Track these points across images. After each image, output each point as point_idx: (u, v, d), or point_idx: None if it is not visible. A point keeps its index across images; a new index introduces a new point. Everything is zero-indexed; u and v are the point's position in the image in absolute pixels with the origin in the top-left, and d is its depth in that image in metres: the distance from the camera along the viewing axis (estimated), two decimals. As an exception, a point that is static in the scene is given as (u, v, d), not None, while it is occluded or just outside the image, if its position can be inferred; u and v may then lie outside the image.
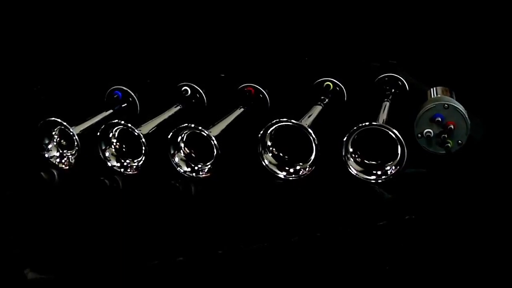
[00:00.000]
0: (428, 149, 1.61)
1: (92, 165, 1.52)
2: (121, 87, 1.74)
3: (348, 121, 1.51)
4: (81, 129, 1.52)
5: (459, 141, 1.59)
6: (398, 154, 1.46)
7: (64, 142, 1.57)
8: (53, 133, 1.57)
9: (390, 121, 1.57)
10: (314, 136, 1.44)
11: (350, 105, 1.84)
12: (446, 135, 1.57)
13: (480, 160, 1.58)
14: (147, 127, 1.50)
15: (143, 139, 1.45)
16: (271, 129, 1.50)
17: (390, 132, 1.44)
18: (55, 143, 1.57)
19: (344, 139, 1.48)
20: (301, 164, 1.51)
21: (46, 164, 1.57)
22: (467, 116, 1.57)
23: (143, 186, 1.48)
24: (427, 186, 1.47)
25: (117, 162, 1.52)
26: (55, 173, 1.54)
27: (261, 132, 1.49)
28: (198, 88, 1.79)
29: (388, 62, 2.03)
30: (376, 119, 1.54)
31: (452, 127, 1.57)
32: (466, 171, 1.53)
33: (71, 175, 1.54)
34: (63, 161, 1.56)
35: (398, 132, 1.43)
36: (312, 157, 1.48)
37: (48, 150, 1.56)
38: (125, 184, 1.49)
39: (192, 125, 1.42)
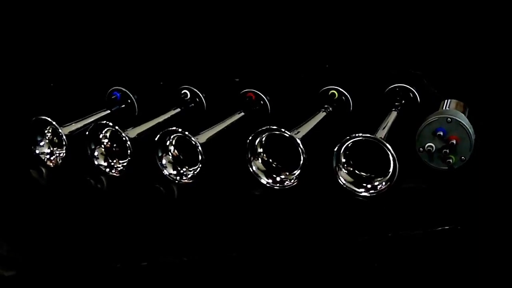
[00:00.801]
0: (430, 164, 1.53)
1: (79, 164, 1.52)
2: (121, 88, 1.73)
3: (349, 130, 1.45)
4: (71, 129, 1.52)
5: (462, 157, 1.50)
6: (390, 169, 1.39)
7: (56, 140, 1.57)
8: (46, 130, 1.57)
9: (393, 133, 1.51)
10: (302, 149, 1.39)
11: (356, 115, 1.77)
12: (447, 150, 1.49)
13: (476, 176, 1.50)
14: (135, 131, 1.48)
15: (129, 143, 1.43)
16: (260, 135, 1.46)
17: (383, 146, 1.37)
18: (47, 140, 1.57)
19: (335, 149, 1.43)
20: (287, 174, 1.46)
21: (35, 160, 1.58)
22: (471, 132, 1.49)
23: (126, 187, 1.48)
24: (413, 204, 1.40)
25: (104, 162, 1.51)
26: (43, 170, 1.55)
27: (250, 138, 1.45)
28: (198, 92, 1.76)
29: (411, 72, 1.97)
30: (376, 131, 1.48)
31: (454, 142, 1.49)
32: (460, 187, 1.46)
33: (56, 174, 1.55)
34: (51, 158, 1.55)
35: (392, 146, 1.37)
36: (297, 172, 1.44)
37: (40, 147, 1.56)
38: (109, 184, 1.48)
39: (179, 130, 1.40)
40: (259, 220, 1.33)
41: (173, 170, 1.49)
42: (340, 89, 1.78)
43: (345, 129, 1.54)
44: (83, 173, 1.52)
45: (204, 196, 1.44)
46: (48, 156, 1.58)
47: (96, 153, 1.51)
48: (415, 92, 1.81)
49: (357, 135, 1.40)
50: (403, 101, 1.80)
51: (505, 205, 1.36)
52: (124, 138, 1.44)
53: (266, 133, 1.45)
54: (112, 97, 1.75)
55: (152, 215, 1.35)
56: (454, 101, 1.69)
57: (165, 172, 1.49)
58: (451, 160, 1.50)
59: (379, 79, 1.87)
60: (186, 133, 1.40)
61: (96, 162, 1.52)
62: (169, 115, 1.66)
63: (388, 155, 1.37)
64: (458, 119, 1.50)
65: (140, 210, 1.37)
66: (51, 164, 1.56)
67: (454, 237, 1.25)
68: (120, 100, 1.75)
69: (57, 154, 1.57)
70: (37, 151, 1.58)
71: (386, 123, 1.61)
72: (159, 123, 1.59)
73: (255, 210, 1.38)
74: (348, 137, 1.41)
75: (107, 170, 1.52)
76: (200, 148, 1.39)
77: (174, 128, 1.43)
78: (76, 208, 1.37)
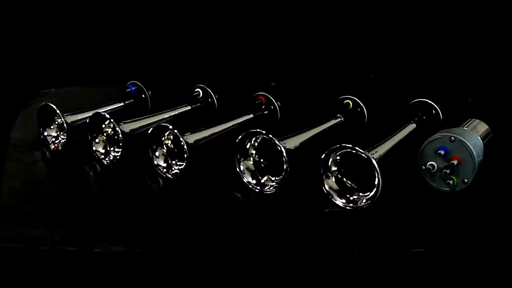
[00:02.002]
0: (432, 184, 1.45)
1: (78, 151, 1.58)
2: (137, 82, 1.78)
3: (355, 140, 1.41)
4: (75, 118, 1.57)
5: (465, 180, 1.41)
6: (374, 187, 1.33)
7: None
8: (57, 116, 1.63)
9: (402, 147, 1.48)
10: (286, 158, 1.36)
11: (370, 125, 1.71)
12: (448, 171, 1.40)
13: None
14: (130, 126, 1.51)
15: (121, 136, 1.47)
16: (250, 137, 1.44)
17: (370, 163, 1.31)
18: (57, 125, 1.63)
19: (322, 156, 1.38)
20: (272, 178, 1.44)
21: (42, 142, 1.65)
22: (474, 154, 1.39)
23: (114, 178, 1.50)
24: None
25: (102, 149, 1.56)
26: (46, 151, 1.62)
27: (239, 137, 1.43)
28: (211, 92, 1.77)
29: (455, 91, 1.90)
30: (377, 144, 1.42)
31: (456, 163, 1.39)
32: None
33: (56, 157, 1.61)
34: (56, 141, 1.62)
35: (377, 163, 1.30)
36: (278, 178, 1.42)
37: (49, 129, 1.63)
38: (98, 173, 1.52)
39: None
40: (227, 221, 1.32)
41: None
42: (356, 99, 1.71)
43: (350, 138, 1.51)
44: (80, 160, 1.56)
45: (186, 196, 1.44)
46: (53, 139, 1.64)
47: (96, 141, 1.55)
48: (438, 109, 1.71)
49: (346, 145, 1.34)
50: (424, 117, 1.71)
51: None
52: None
53: (256, 136, 1.43)
54: (127, 90, 1.79)
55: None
56: (476, 121, 1.59)
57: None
58: (451, 182, 1.41)
59: (403, 92, 1.80)
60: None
61: (94, 148, 1.55)
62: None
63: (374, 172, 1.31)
64: (462, 138, 1.40)
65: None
66: (52, 146, 1.63)
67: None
68: (134, 94, 1.79)
69: (61, 139, 1.63)
70: (45, 133, 1.64)
71: (395, 136, 1.55)
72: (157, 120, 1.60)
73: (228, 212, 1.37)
74: (337, 146, 1.36)
75: (102, 157, 1.55)
76: (186, 149, 1.38)
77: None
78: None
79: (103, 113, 1.50)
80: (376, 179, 1.31)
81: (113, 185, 1.48)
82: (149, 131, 1.47)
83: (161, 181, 1.47)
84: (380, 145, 1.44)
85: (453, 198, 1.41)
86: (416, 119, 1.69)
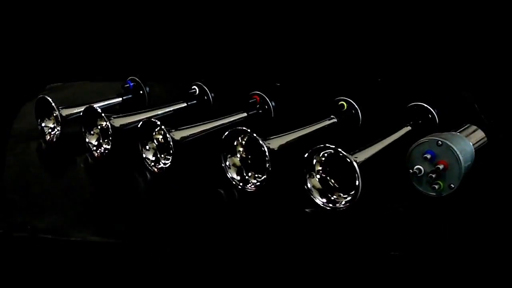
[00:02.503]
0: (419, 188, 1.44)
1: (71, 143, 1.62)
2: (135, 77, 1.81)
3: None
4: (70, 112, 1.61)
5: (451, 185, 1.39)
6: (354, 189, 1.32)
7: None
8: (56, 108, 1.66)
9: (394, 149, 1.48)
10: (268, 158, 1.37)
11: (362, 128, 1.71)
12: (434, 175, 1.39)
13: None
14: (120, 121, 1.54)
15: (110, 130, 1.50)
16: (236, 134, 1.45)
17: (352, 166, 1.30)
18: (54, 117, 1.67)
19: (305, 155, 1.38)
20: (255, 176, 1.45)
21: (39, 133, 1.70)
22: (461, 159, 1.37)
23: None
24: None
25: (95, 141, 1.59)
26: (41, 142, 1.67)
27: (225, 134, 1.45)
28: (207, 90, 1.79)
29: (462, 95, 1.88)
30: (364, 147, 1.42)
31: (441, 167, 1.38)
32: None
33: (49, 148, 1.65)
34: (52, 133, 1.66)
35: (358, 165, 1.29)
36: (260, 178, 1.43)
37: (47, 121, 1.67)
38: (88, 165, 1.55)
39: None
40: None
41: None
42: (351, 101, 1.71)
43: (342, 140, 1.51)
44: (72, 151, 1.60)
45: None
46: (49, 131, 1.68)
47: (90, 134, 1.58)
48: (434, 113, 1.69)
49: (329, 146, 1.34)
50: (420, 121, 1.70)
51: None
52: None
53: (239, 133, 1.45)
54: (125, 85, 1.82)
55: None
56: (472, 128, 1.58)
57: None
58: (436, 186, 1.39)
59: (400, 95, 1.79)
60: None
61: (87, 140, 1.59)
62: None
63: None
64: (449, 143, 1.38)
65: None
66: (48, 137, 1.68)
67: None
68: (133, 89, 1.82)
69: (56, 131, 1.66)
70: (43, 124, 1.69)
71: (385, 139, 1.54)
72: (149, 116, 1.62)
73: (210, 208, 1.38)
74: (320, 146, 1.36)
75: (94, 149, 1.58)
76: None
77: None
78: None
79: (96, 108, 1.52)
80: (357, 181, 1.30)
81: (101, 176, 1.51)
82: (139, 126, 1.49)
83: (148, 175, 1.49)
84: (367, 147, 1.43)
85: (439, 203, 1.39)
86: (411, 122, 1.68)
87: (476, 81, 1.87)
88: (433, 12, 1.86)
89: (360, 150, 1.39)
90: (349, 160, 1.29)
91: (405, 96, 1.74)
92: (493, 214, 1.36)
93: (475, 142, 1.50)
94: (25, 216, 1.27)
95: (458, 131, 1.53)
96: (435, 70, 1.91)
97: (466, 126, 1.58)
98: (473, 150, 1.45)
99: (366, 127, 1.70)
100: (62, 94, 2.03)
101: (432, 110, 1.69)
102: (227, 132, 1.44)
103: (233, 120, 1.66)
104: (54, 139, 1.65)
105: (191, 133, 1.49)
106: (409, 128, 1.65)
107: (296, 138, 1.51)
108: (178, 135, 1.45)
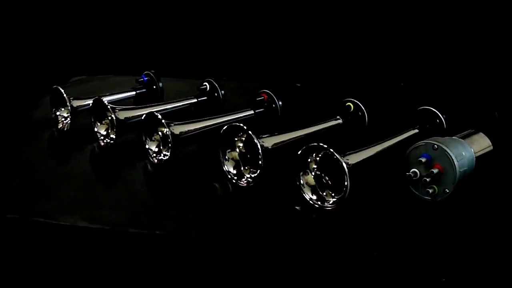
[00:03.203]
0: (415, 192, 1.42)
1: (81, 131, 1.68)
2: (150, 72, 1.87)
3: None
4: (80, 104, 1.69)
5: (446, 190, 1.37)
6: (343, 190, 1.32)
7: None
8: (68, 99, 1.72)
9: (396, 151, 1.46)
10: (261, 156, 1.38)
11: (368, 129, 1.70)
12: (428, 179, 1.37)
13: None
14: (124, 114, 1.58)
15: (115, 122, 1.55)
16: (233, 130, 1.47)
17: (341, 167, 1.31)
18: (68, 108, 1.73)
19: (299, 152, 1.39)
20: (251, 170, 1.47)
21: (52, 121, 1.76)
22: (456, 164, 1.35)
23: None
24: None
25: (104, 131, 1.64)
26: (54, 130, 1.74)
27: (224, 128, 1.47)
28: (217, 87, 1.82)
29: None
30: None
31: (436, 171, 1.36)
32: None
33: (58, 136, 1.72)
34: (64, 121, 1.72)
35: (347, 166, 1.29)
36: (253, 175, 1.44)
37: (61, 110, 1.74)
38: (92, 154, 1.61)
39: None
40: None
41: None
42: (358, 103, 1.70)
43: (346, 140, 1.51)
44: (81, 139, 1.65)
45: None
46: (62, 119, 1.74)
47: (98, 125, 1.64)
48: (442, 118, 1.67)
49: (322, 145, 1.34)
50: (427, 125, 1.68)
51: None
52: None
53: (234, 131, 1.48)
54: (139, 79, 1.87)
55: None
56: (478, 134, 1.55)
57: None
58: (431, 190, 1.38)
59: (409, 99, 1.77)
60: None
61: (95, 129, 1.64)
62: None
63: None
64: (445, 147, 1.37)
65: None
66: (59, 125, 1.74)
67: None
68: (146, 83, 1.87)
69: (68, 120, 1.73)
70: (57, 112, 1.75)
71: (385, 142, 1.53)
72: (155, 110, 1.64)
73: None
74: (314, 145, 1.36)
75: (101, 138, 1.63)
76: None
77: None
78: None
79: (104, 101, 1.58)
80: (345, 182, 1.30)
81: (103, 165, 1.57)
82: (143, 118, 1.54)
83: (148, 166, 1.54)
84: (364, 150, 1.43)
85: (433, 207, 1.37)
86: (418, 126, 1.66)
87: (490, 86, 1.84)
88: (445, 15, 1.84)
89: (355, 152, 1.39)
90: (339, 161, 1.30)
91: (415, 100, 1.73)
92: (488, 219, 1.34)
93: (478, 148, 1.47)
94: (20, 200, 1.34)
95: (460, 136, 1.50)
96: (447, 74, 1.88)
97: (471, 132, 1.55)
98: (473, 156, 1.43)
99: (373, 129, 1.69)
100: (84, 87, 2.10)
101: (440, 115, 1.67)
102: (224, 127, 1.46)
103: (239, 117, 1.68)
104: (65, 128, 1.71)
105: (190, 128, 1.52)
106: (415, 130, 1.63)
107: (293, 138, 1.52)
108: (177, 129, 1.49)
